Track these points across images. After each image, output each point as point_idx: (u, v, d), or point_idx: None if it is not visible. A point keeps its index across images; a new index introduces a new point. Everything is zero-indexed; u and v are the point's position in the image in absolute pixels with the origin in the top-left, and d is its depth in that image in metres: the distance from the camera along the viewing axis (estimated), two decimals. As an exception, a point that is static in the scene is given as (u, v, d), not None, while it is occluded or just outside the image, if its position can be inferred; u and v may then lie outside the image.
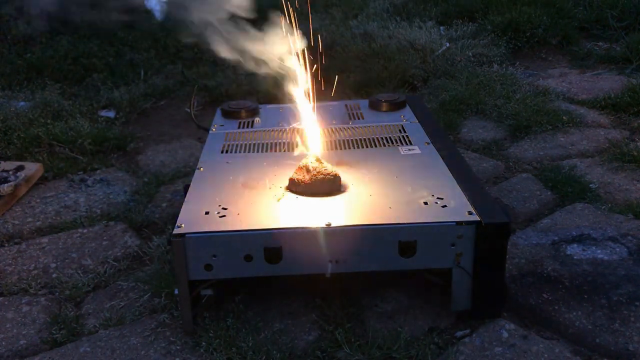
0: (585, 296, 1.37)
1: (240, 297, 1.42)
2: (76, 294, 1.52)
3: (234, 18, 1.53)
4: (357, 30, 3.58)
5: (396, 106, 1.92)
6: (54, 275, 1.60)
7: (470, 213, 1.25)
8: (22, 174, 2.07)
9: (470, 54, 3.21)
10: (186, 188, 1.46)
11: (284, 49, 1.52)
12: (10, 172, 2.08)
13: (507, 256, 1.29)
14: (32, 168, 2.14)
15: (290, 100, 1.60)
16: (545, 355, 1.22)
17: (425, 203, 1.31)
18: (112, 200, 2.00)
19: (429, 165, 1.51)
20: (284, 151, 1.64)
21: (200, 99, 3.03)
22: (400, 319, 1.35)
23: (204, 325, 1.32)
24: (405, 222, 1.24)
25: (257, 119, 1.89)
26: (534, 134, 2.34)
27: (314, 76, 1.53)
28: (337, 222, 1.24)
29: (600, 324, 1.29)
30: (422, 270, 1.30)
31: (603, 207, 1.76)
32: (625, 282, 1.40)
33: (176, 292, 1.28)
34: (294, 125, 1.78)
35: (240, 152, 1.65)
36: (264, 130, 1.79)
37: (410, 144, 1.65)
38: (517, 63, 3.32)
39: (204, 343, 1.27)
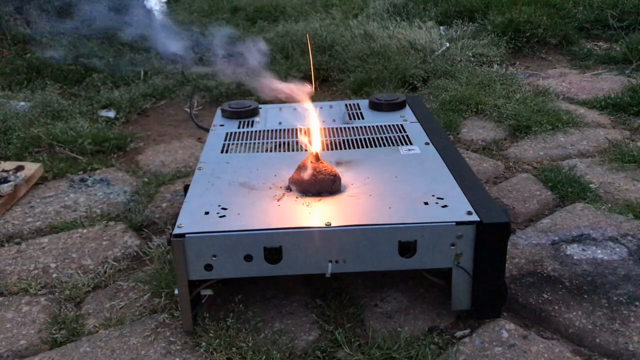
0: (585, 296, 1.37)
1: (240, 297, 1.42)
2: (76, 294, 1.52)
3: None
4: (357, 30, 3.58)
5: (396, 106, 1.92)
6: (54, 275, 1.60)
7: (470, 213, 1.25)
8: (22, 174, 2.07)
9: (470, 54, 3.21)
10: (186, 188, 1.46)
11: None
12: (10, 172, 2.08)
13: (507, 256, 1.29)
14: (32, 168, 2.14)
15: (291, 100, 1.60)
16: (545, 355, 1.22)
17: (426, 203, 1.31)
18: (112, 200, 2.01)
19: (429, 165, 1.51)
20: (284, 151, 1.64)
21: (200, 99, 3.03)
22: (400, 319, 1.35)
23: (204, 325, 1.32)
24: (405, 222, 1.24)
25: (257, 119, 1.89)
26: (534, 134, 2.34)
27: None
28: (337, 222, 1.24)
29: (600, 324, 1.29)
30: (422, 270, 1.30)
31: (603, 207, 1.76)
32: (625, 282, 1.41)
33: (176, 292, 1.28)
34: (294, 125, 1.78)
35: (240, 152, 1.65)
36: (264, 130, 1.79)
37: (410, 144, 1.65)
38: (517, 63, 3.32)
39: (204, 343, 1.27)
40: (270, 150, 1.65)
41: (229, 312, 1.37)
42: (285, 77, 2.93)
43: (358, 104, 2.00)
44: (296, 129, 1.76)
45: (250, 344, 1.26)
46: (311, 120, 1.63)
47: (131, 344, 1.31)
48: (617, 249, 1.53)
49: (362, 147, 1.66)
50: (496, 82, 2.82)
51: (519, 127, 2.38)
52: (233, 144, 1.70)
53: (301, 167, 1.41)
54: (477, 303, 1.30)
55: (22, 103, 2.82)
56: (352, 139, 1.70)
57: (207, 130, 1.85)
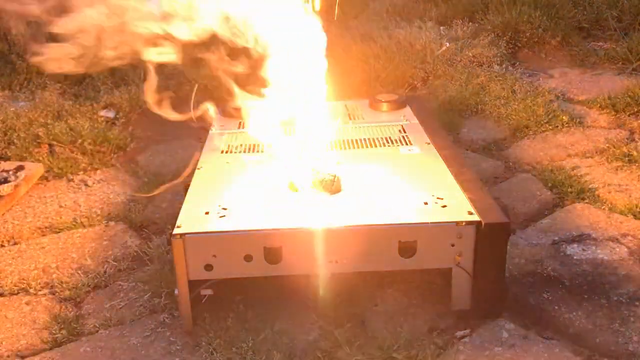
0: (585, 296, 1.37)
1: (241, 297, 1.42)
2: (76, 294, 1.52)
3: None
4: (357, 31, 3.58)
5: (396, 106, 1.92)
6: (54, 275, 1.60)
7: (470, 213, 1.25)
8: (22, 174, 2.07)
9: (470, 54, 3.21)
10: (186, 188, 1.46)
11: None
12: (10, 172, 2.08)
13: (507, 256, 1.29)
14: (32, 168, 2.14)
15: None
16: (545, 355, 1.22)
17: (425, 203, 1.31)
18: (112, 200, 2.00)
19: (429, 165, 1.51)
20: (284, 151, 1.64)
21: (200, 99, 3.03)
22: (400, 319, 1.35)
23: (204, 325, 1.32)
24: (405, 222, 1.24)
25: (257, 119, 1.88)
26: (534, 134, 2.34)
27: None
28: (337, 222, 1.24)
29: (600, 324, 1.29)
30: (422, 270, 1.30)
31: (603, 207, 1.76)
32: (625, 282, 1.40)
33: (176, 292, 1.28)
34: (294, 125, 1.78)
35: (240, 152, 1.65)
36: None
37: (410, 144, 1.65)
38: (517, 63, 3.32)
39: (204, 343, 1.27)
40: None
41: (229, 312, 1.37)
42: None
43: (358, 104, 2.00)
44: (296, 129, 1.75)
45: (250, 344, 1.26)
46: (311, 120, 1.63)
47: (131, 344, 1.31)
48: (617, 249, 1.53)
49: (362, 147, 1.66)
50: (496, 82, 2.82)
51: (519, 127, 2.38)
52: (233, 144, 1.70)
53: (301, 167, 1.41)
54: (477, 303, 1.30)
55: (22, 103, 2.82)
56: (352, 139, 1.70)
57: (207, 130, 1.85)
